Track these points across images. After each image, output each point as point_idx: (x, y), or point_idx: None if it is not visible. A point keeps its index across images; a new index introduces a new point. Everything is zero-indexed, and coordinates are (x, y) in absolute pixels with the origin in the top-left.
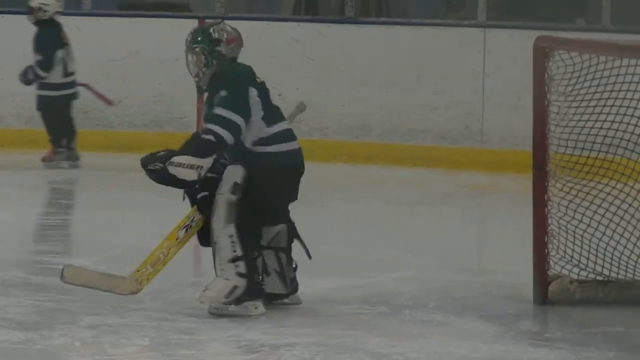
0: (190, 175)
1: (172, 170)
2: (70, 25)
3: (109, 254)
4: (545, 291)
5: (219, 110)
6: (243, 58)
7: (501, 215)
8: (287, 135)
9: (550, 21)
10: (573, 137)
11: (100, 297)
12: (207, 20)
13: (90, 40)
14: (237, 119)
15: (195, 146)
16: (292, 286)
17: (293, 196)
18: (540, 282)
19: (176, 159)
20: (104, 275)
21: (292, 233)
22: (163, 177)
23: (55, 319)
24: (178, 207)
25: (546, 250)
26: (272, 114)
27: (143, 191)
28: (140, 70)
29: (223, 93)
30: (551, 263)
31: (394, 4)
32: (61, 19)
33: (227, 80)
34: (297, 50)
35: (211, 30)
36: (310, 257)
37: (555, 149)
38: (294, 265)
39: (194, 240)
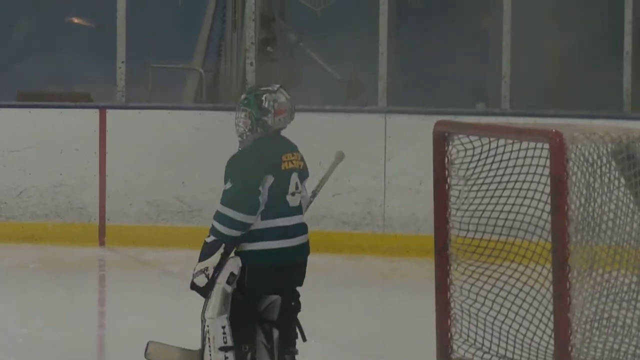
0: (201, 280)
1: (195, 281)
2: None
3: (11, 344)
4: None
5: (221, 208)
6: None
7: (403, 300)
8: (280, 233)
9: (451, 106)
10: (474, 220)
11: None
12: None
13: None
14: (239, 216)
15: (202, 250)
16: None
17: (290, 286)
18: None
19: (194, 271)
20: (185, 351)
21: (287, 309)
22: (197, 291)
23: None
24: (77, 298)
25: (449, 334)
26: (275, 208)
27: (44, 282)
28: (41, 160)
29: (228, 186)
30: (454, 347)
31: (294, 89)
32: None
33: (238, 170)
34: (199, 138)
35: (263, 97)
36: (304, 339)
37: (456, 233)
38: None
39: (95, 330)
